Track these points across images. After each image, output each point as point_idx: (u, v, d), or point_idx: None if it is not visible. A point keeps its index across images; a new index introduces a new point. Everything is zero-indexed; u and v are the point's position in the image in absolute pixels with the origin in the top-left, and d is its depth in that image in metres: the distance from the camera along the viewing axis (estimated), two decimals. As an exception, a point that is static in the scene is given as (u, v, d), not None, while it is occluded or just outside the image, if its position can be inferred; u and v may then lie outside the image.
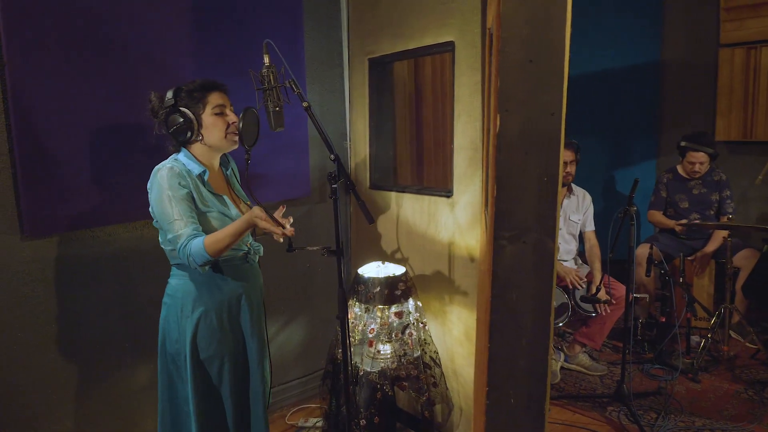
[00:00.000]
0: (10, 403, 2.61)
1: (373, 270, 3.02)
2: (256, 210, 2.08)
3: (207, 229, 2.14)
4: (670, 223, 4.60)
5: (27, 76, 2.49)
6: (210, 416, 2.27)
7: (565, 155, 4.00)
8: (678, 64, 5.50)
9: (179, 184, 2.11)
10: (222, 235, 2.07)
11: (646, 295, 4.46)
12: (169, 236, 2.11)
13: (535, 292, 1.68)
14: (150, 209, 2.19)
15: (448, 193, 3.07)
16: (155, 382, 2.97)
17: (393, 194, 3.47)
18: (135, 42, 2.78)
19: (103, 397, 2.89)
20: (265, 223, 2.06)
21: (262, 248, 2.42)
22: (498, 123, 1.61)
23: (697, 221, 4.53)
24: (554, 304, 3.65)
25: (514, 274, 1.67)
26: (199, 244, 2.05)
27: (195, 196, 2.15)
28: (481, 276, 2.63)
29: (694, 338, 4.38)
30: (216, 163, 2.34)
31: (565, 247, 4.19)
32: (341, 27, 3.67)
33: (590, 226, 4.28)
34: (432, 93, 3.75)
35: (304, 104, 2.21)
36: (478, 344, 2.56)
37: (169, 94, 2.20)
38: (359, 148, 3.69)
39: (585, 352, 4.16)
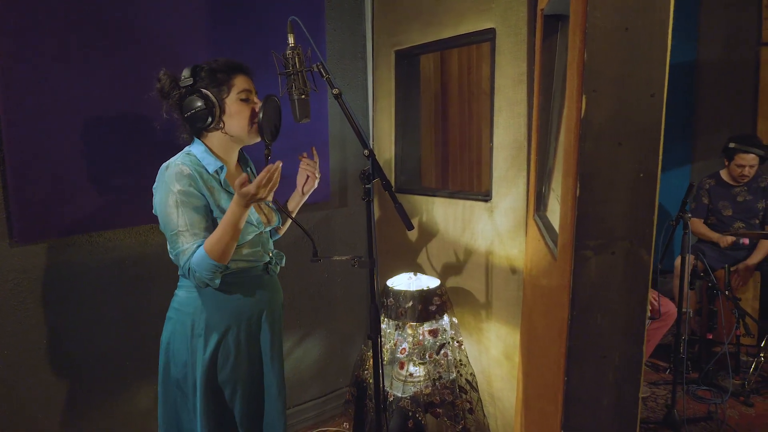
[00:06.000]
0: (-4, 428, 2.33)
1: (404, 282, 2.71)
2: (238, 185, 1.70)
3: None
4: (714, 236, 4.28)
5: (18, 60, 2.21)
6: None
7: None
8: (715, 64, 5.19)
9: (190, 186, 1.79)
10: (219, 231, 1.74)
11: (690, 310, 4.13)
12: (173, 252, 1.80)
13: (626, 314, 1.37)
14: (153, 211, 1.88)
15: (485, 197, 2.76)
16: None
17: (422, 198, 3.17)
18: (141, 28, 2.50)
19: (101, 422, 2.59)
20: (253, 189, 1.69)
21: (284, 258, 2.11)
22: (583, 106, 1.30)
23: (743, 230, 4.20)
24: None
25: (600, 293, 1.36)
26: (201, 253, 1.74)
27: (209, 200, 1.84)
28: (529, 290, 2.32)
29: (741, 357, 4.04)
30: (235, 157, 2.02)
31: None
32: (365, 16, 3.37)
33: None
34: (460, 88, 3.46)
35: (335, 91, 1.91)
36: (527, 370, 2.24)
37: (186, 73, 1.86)
38: (383, 148, 3.38)
39: (624, 371, 3.83)
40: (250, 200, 1.73)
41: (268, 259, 2.02)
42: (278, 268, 2.07)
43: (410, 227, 1.94)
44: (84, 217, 2.43)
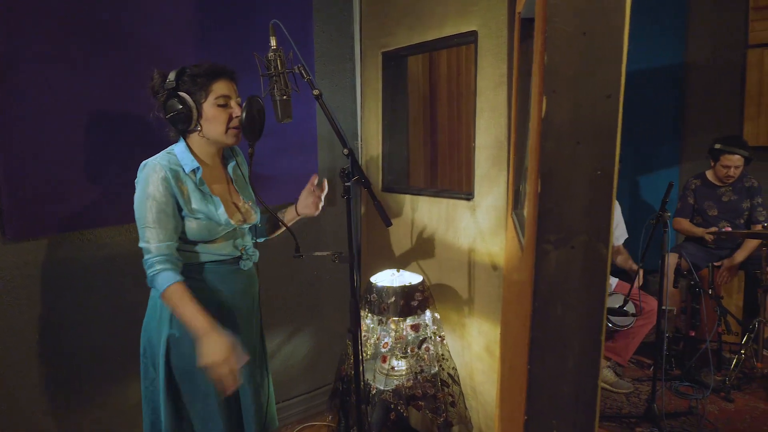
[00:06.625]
0: (-12, 421, 2.39)
1: (387, 278, 2.78)
2: (215, 350, 1.83)
3: (189, 233, 1.95)
4: (699, 231, 4.35)
5: (12, 59, 2.28)
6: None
7: None
8: (703, 66, 5.26)
9: (161, 186, 1.89)
10: (181, 309, 1.86)
11: (674, 308, 4.20)
12: (141, 243, 1.90)
13: (585, 305, 1.43)
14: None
15: (468, 195, 2.83)
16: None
17: (407, 197, 3.23)
18: (134, 29, 2.57)
19: (93, 415, 2.65)
20: (214, 361, 1.83)
21: (257, 254, 2.19)
22: (544, 107, 1.37)
23: (728, 229, 4.27)
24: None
25: (560, 285, 1.43)
26: (164, 284, 1.85)
27: (180, 200, 1.92)
28: (506, 285, 2.38)
29: (724, 354, 4.11)
30: (216, 157, 2.10)
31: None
32: (353, 18, 3.44)
33: (620, 240, 4.04)
34: (449, 90, 3.53)
35: (315, 92, 1.98)
36: (504, 363, 2.31)
37: (172, 75, 1.95)
38: (371, 148, 3.45)
39: (609, 367, 3.90)
40: (208, 354, 1.82)
41: (239, 254, 2.09)
42: (250, 263, 2.15)
43: (388, 223, 2.01)
44: (76, 215, 2.49)
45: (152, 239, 1.87)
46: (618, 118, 1.37)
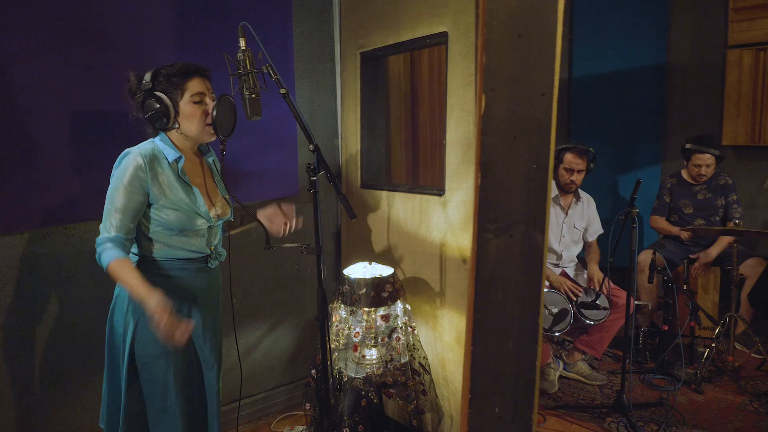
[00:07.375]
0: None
1: (359, 270, 2.87)
2: (157, 307, 1.90)
3: (168, 223, 2.04)
4: (674, 230, 4.45)
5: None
6: (138, 419, 2.14)
7: (577, 163, 3.84)
8: (684, 66, 5.35)
9: (137, 178, 1.98)
10: (125, 279, 1.94)
11: (648, 303, 4.30)
12: (102, 225, 1.99)
13: (523, 290, 1.54)
14: None
15: (440, 191, 2.92)
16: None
17: (384, 193, 3.33)
18: (115, 27, 2.66)
19: (78, 405, 2.73)
20: (159, 320, 1.90)
21: (225, 254, 2.30)
22: (483, 104, 1.47)
23: (702, 227, 4.37)
24: (555, 310, 3.51)
25: (499, 270, 1.53)
26: (109, 259, 1.93)
27: (154, 190, 2.01)
28: (469, 275, 2.48)
29: (698, 348, 4.21)
30: (194, 150, 2.21)
31: (568, 255, 4.03)
32: (332, 19, 3.53)
33: (594, 236, 4.12)
34: (428, 89, 3.62)
35: (282, 91, 2.08)
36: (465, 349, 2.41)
37: (147, 76, 2.05)
38: (350, 146, 3.55)
39: (584, 360, 4.00)
40: (152, 313, 1.90)
41: (209, 253, 2.19)
42: (217, 262, 2.25)
43: (352, 216, 2.11)
44: (60, 209, 2.57)
45: (114, 224, 1.96)
46: (552, 114, 1.47)
